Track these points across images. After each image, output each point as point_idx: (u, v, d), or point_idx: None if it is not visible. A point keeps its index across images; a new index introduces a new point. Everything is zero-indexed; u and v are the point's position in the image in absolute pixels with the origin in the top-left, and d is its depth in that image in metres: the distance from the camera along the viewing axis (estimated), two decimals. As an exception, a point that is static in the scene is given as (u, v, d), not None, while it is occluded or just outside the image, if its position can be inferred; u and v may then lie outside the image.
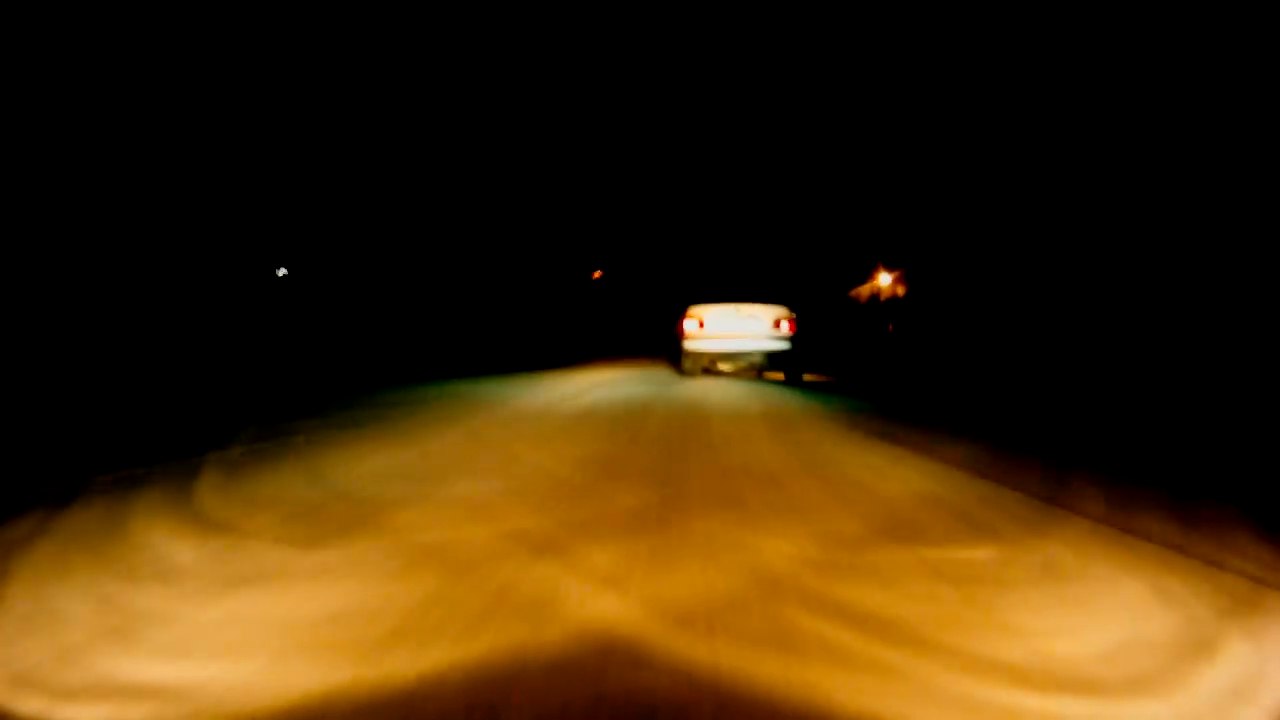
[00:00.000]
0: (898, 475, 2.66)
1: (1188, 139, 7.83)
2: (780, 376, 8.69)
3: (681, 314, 8.27)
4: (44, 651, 1.19)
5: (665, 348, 9.94)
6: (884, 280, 21.41)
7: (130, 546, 1.74)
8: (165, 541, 1.79)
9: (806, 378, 8.92)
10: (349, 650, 1.17)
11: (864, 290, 22.57)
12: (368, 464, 2.83)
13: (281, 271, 11.32)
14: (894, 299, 20.63)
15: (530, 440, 3.52)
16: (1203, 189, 7.63)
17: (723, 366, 8.91)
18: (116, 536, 1.81)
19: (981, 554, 1.72)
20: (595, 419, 4.42)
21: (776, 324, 8.18)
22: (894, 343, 17.99)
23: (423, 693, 1.04)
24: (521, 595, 1.42)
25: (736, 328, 8.16)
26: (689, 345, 8.20)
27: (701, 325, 8.15)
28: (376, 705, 1.01)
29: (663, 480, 2.53)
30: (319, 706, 1.01)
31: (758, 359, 8.35)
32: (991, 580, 1.53)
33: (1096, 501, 2.20)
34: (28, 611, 1.35)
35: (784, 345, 8.14)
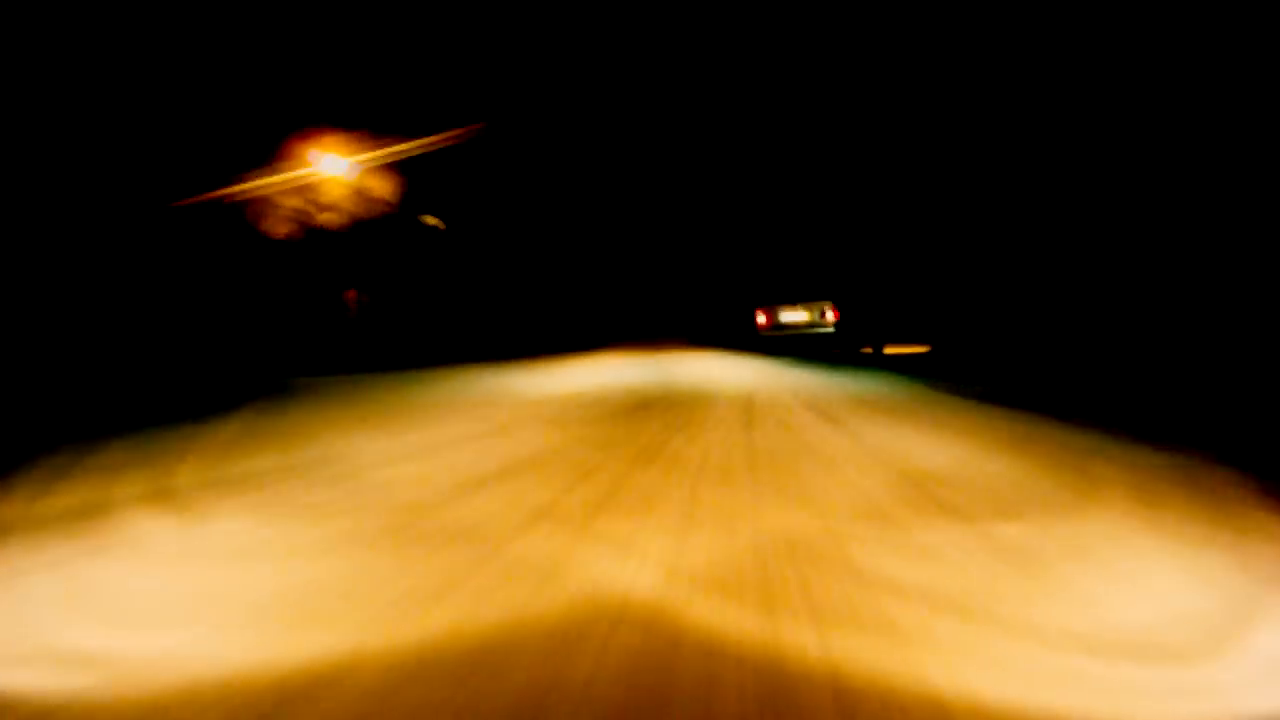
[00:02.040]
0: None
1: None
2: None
3: (753, 313, 11.73)
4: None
5: (737, 336, 13.49)
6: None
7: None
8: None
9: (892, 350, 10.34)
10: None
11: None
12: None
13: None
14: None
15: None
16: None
17: (790, 344, 11.79)
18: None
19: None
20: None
21: (822, 314, 11.12)
22: None
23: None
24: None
25: (793, 319, 11.33)
26: (762, 334, 11.58)
27: (768, 320, 11.48)
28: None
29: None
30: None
31: (810, 340, 11.26)
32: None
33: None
34: None
35: (830, 329, 11.02)
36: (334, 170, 9.92)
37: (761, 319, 11.40)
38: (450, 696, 0.91)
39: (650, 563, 1.37)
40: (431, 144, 10.50)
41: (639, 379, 6.00)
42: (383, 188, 10.45)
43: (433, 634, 1.06)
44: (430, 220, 11.78)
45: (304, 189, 9.68)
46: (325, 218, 9.58)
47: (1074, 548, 1.53)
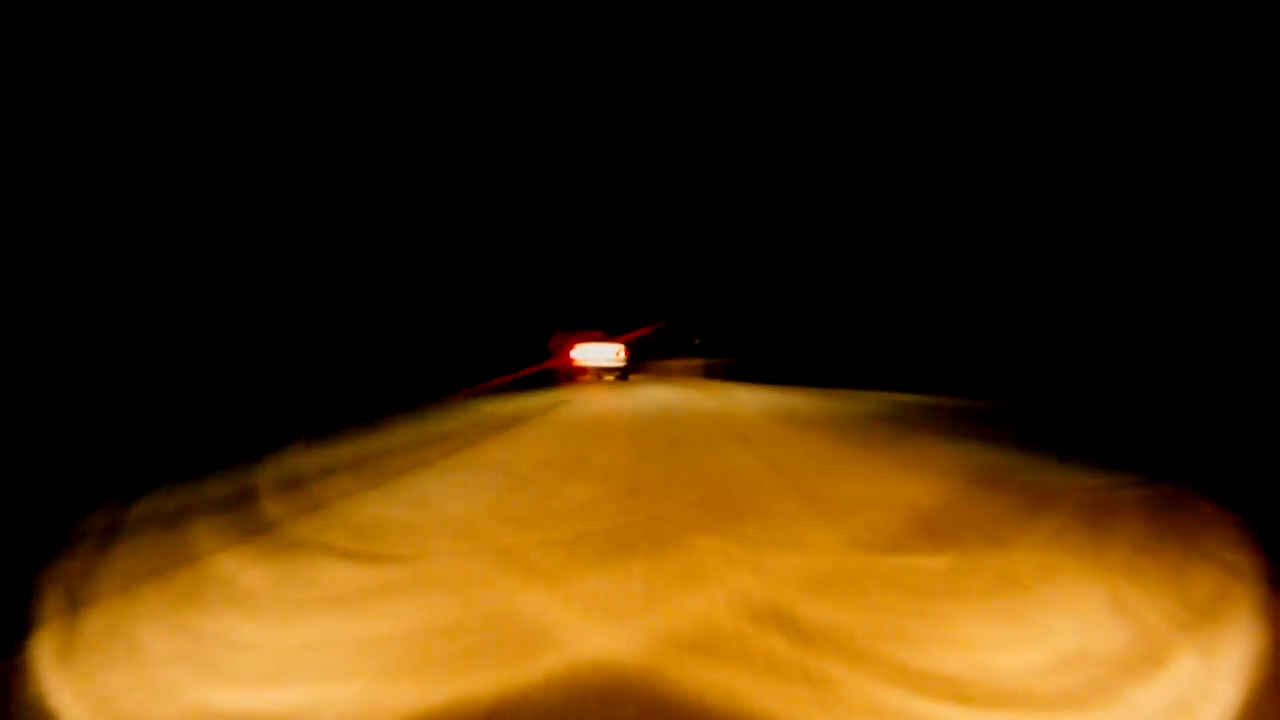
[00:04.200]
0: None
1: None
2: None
3: (566, 349, 15.31)
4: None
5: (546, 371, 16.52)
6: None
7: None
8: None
9: None
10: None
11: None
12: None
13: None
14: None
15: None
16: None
17: (591, 376, 15.47)
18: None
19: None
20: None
21: (618, 354, 15.55)
22: None
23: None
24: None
25: (597, 355, 15.36)
26: (577, 366, 15.09)
27: (578, 355, 15.17)
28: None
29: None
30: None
31: (610, 371, 15.36)
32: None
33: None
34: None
35: (623, 364, 15.65)
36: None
37: (571, 355, 15.17)
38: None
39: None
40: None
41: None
42: None
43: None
44: None
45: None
46: None
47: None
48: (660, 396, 9.83)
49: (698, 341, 24.60)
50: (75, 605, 1.68)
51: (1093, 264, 7.38)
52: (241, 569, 1.98)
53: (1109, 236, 7.23)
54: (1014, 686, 1.22)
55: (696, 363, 23.55)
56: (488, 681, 1.27)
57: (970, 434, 4.32)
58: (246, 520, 2.53)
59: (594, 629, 1.50)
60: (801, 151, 14.45)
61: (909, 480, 2.95)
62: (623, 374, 15.80)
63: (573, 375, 15.33)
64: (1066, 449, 3.52)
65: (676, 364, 24.86)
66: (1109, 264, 7.22)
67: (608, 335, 16.15)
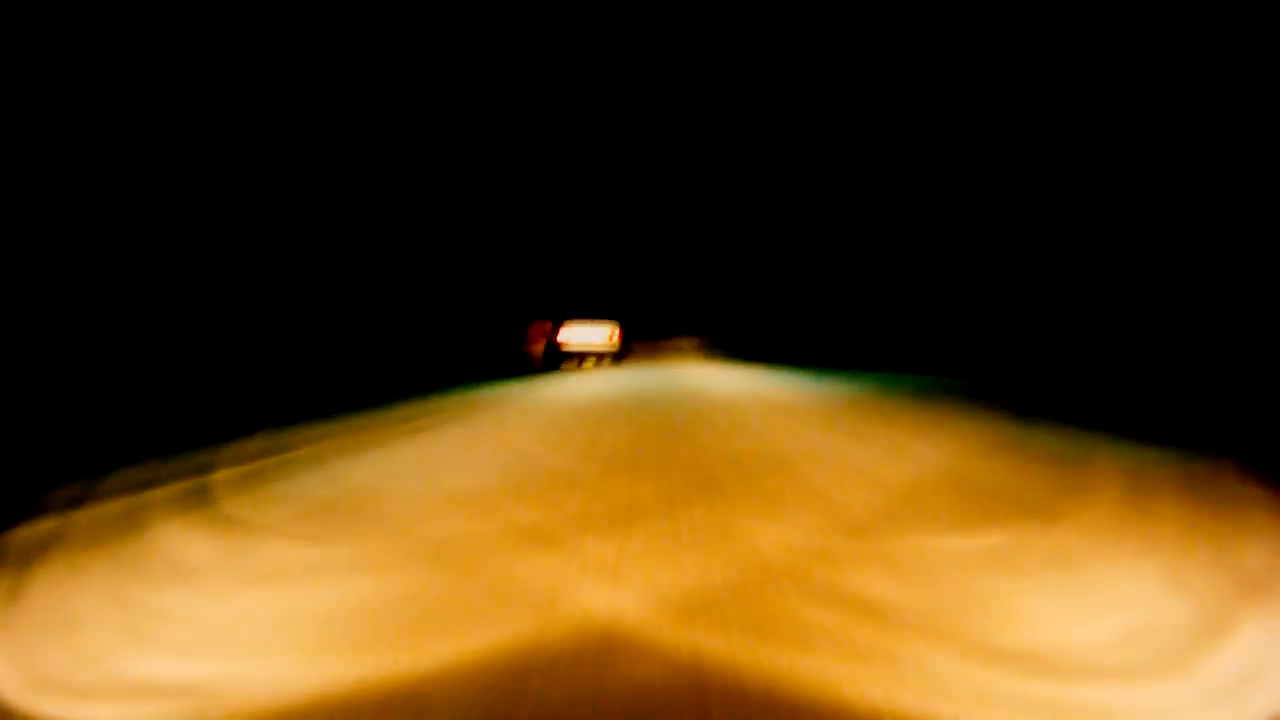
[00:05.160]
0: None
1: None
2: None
3: (557, 329, 13.90)
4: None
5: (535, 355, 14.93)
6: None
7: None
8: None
9: None
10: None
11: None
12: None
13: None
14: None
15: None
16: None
17: (580, 360, 14.25)
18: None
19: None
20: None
21: (610, 335, 14.18)
22: None
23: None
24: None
25: (587, 337, 14.02)
26: (565, 349, 13.81)
27: (566, 337, 13.86)
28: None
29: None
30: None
31: (601, 355, 14.11)
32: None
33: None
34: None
35: (615, 347, 14.32)
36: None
37: (559, 338, 13.77)
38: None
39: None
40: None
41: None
42: None
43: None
44: None
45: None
46: None
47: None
48: (662, 376, 9.71)
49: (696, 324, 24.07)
50: (21, 574, 1.62)
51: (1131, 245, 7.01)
52: (187, 544, 1.87)
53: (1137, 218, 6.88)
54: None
55: (696, 341, 23.36)
56: (415, 654, 1.16)
57: (992, 410, 4.19)
58: (201, 498, 2.40)
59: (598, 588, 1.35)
60: (797, 135, 14.16)
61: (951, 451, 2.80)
62: (615, 357, 14.29)
63: (559, 360, 13.64)
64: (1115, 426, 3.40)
65: (676, 343, 24.65)
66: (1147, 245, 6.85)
67: (599, 317, 14.83)
